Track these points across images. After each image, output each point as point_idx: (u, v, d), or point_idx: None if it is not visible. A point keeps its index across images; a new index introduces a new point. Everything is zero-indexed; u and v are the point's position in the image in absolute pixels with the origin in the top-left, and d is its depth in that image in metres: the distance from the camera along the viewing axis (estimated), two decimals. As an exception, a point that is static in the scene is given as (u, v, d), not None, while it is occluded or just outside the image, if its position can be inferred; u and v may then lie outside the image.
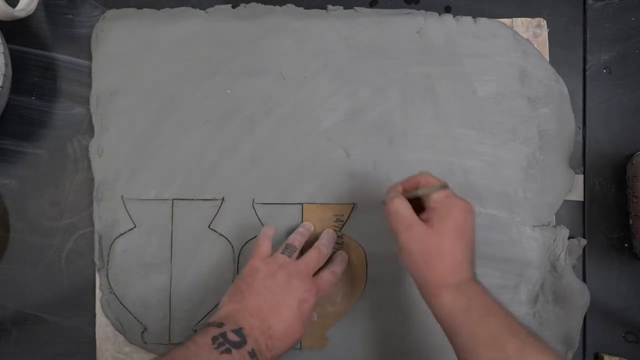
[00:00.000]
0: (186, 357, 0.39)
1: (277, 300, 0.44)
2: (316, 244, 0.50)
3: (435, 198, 0.43)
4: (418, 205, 0.45)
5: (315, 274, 0.48)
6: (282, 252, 0.48)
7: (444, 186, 0.43)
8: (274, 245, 0.49)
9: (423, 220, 0.43)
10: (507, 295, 0.53)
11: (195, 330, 0.53)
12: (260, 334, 0.42)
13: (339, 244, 0.54)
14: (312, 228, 0.53)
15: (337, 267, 0.50)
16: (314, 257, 0.48)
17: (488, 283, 0.53)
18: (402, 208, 0.43)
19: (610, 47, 0.57)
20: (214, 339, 0.40)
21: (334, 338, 0.53)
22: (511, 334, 0.38)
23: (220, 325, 0.41)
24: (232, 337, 0.41)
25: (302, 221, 0.54)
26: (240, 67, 0.56)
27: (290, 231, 0.53)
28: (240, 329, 0.41)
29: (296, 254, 0.48)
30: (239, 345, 0.40)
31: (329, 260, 0.51)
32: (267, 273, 0.45)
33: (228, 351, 0.39)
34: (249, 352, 0.40)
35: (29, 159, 0.56)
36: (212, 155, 0.55)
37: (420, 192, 0.44)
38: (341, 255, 0.52)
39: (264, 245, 0.48)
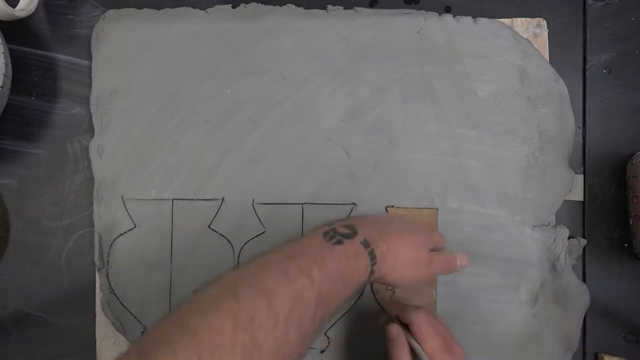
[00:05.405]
0: (301, 251, 0.38)
1: (404, 233, 0.43)
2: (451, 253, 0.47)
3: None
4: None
5: None
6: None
7: None
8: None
9: None
10: (507, 295, 0.53)
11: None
12: (377, 236, 0.41)
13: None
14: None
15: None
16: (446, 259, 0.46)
17: (488, 283, 0.54)
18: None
19: (610, 47, 0.57)
20: (325, 234, 0.40)
21: (334, 338, 0.53)
22: None
23: (329, 224, 0.41)
24: (342, 230, 0.40)
25: (303, 221, 0.54)
26: (240, 67, 0.56)
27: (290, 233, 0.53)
28: (351, 225, 0.41)
29: None
30: (348, 236, 0.40)
31: None
32: None
33: (339, 242, 0.39)
34: (361, 242, 0.40)
35: (29, 159, 0.56)
36: (212, 156, 0.55)
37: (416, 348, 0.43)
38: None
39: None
